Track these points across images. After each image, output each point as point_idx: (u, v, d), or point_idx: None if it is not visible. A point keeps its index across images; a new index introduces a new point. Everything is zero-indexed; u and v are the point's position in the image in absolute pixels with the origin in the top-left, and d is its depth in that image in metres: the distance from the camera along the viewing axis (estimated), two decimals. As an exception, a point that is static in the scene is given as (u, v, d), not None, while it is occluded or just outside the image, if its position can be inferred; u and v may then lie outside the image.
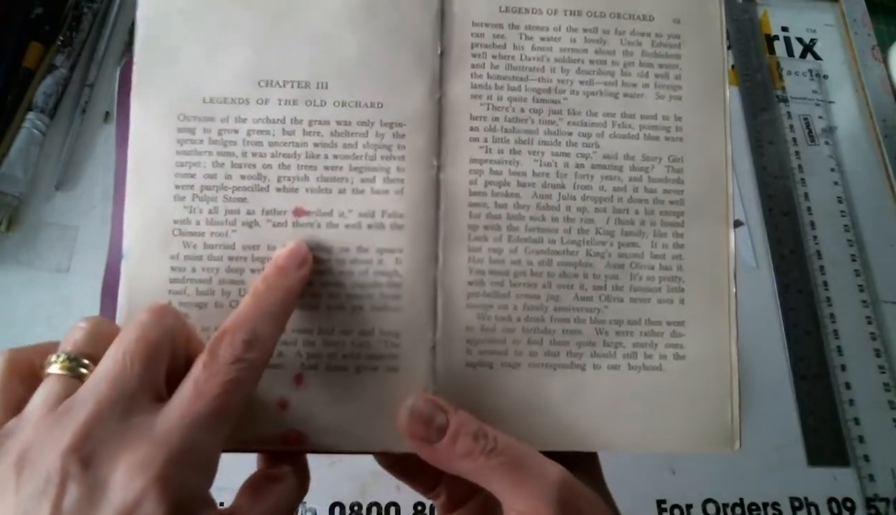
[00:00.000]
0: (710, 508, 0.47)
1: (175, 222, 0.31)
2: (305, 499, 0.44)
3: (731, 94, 0.71)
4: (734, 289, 0.33)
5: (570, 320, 0.32)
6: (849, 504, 0.49)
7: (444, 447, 0.29)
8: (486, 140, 0.33)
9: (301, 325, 0.30)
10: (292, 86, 0.32)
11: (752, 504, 0.48)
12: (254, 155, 0.31)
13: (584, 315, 0.32)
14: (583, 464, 0.32)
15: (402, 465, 0.34)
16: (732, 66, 0.71)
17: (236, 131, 0.32)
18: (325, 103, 0.32)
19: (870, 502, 0.50)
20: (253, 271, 0.31)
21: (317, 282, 0.31)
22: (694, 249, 0.33)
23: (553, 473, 0.28)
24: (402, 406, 0.30)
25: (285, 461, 0.31)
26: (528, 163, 0.32)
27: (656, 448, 0.32)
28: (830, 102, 0.68)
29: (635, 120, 0.33)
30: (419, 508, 0.45)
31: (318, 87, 0.32)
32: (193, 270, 0.31)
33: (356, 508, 0.43)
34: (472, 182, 0.32)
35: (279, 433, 0.30)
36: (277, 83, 0.32)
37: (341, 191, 0.31)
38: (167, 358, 0.27)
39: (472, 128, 0.33)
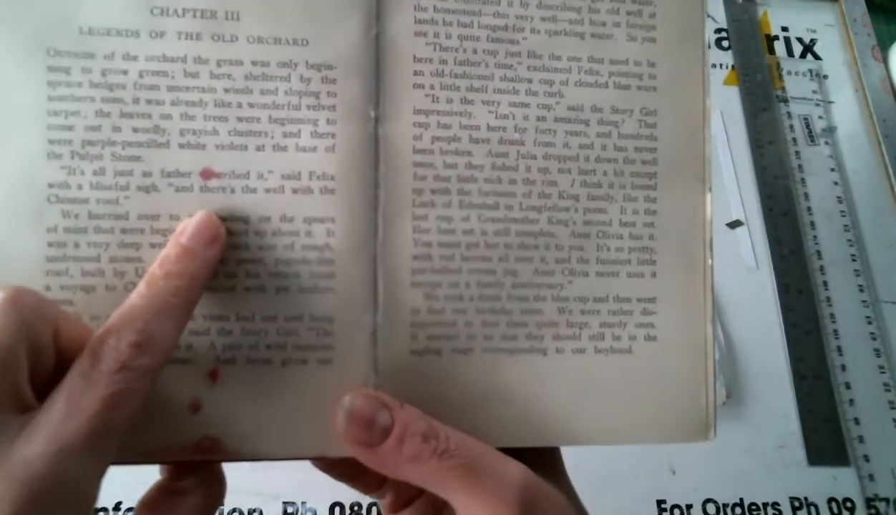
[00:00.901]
0: (710, 508, 0.51)
1: (50, 186, 0.29)
2: (305, 499, 0.45)
3: (731, 95, 0.77)
4: (710, 261, 0.34)
5: (530, 298, 0.32)
6: (849, 505, 0.54)
7: (388, 450, 0.29)
8: (432, 87, 0.32)
9: (215, 311, 0.30)
10: (194, 16, 0.30)
11: (752, 504, 0.52)
12: (149, 102, 0.30)
13: (544, 292, 0.33)
14: (544, 459, 0.33)
15: (340, 467, 0.34)
16: (732, 67, 0.78)
17: (125, 72, 0.30)
18: (237, 39, 0.30)
19: (870, 502, 0.55)
20: (153, 246, 0.29)
21: (232, 259, 0.30)
22: (667, 216, 0.34)
23: (514, 474, 0.29)
24: (337, 405, 0.29)
25: (193, 469, 0.31)
26: (481, 115, 0.32)
27: (625, 441, 0.33)
28: (830, 102, 0.75)
29: (604, 65, 0.34)
30: None
31: (227, 18, 0.30)
32: (77, 246, 0.29)
33: (356, 508, 0.44)
34: (416, 137, 0.32)
35: (190, 441, 0.29)
36: (175, 11, 0.30)
37: (259, 148, 0.30)
38: (26, 359, 0.25)
39: (416, 73, 0.32)
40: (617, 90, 0.33)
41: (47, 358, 0.26)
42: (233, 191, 0.30)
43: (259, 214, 0.30)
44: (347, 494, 0.45)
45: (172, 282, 0.27)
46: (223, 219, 0.30)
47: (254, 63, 0.30)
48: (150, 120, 0.30)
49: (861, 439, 0.58)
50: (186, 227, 0.29)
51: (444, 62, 0.32)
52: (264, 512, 0.46)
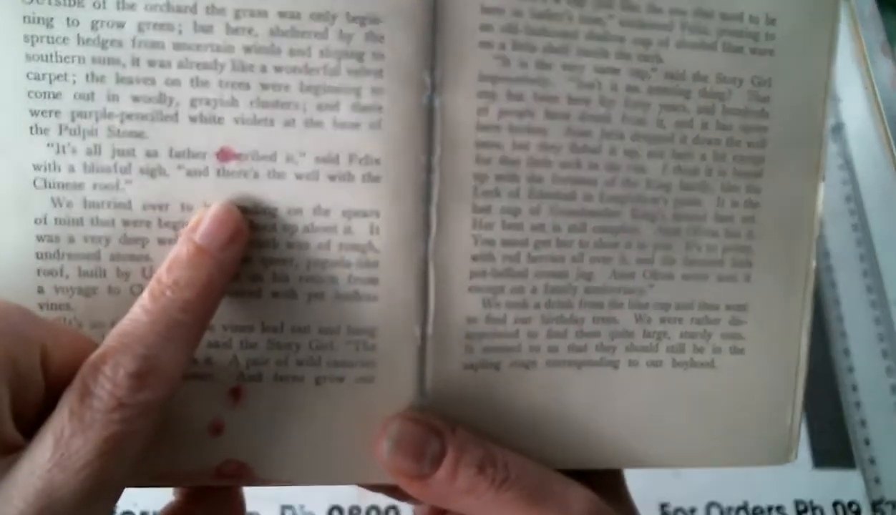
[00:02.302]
0: (714, 511, 0.49)
1: (35, 168, 0.24)
2: (303, 502, 0.42)
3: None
4: (814, 264, 0.30)
5: (605, 304, 0.27)
6: (854, 508, 0.52)
7: (440, 483, 0.25)
8: (503, 46, 0.26)
9: (237, 320, 0.25)
10: (205, -51, 0.24)
11: (756, 507, 0.50)
12: (151, 64, 0.24)
13: (622, 297, 0.28)
14: (607, 481, 0.29)
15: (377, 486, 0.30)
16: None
17: (121, 24, 0.23)
18: None
19: (876, 505, 0.53)
20: (162, 242, 0.24)
21: (257, 259, 0.25)
22: (771, 209, 0.28)
23: (580, 500, 0.26)
24: (381, 431, 0.26)
25: (210, 493, 0.27)
26: (561, 83, 0.26)
27: (698, 464, 0.29)
28: (838, 99, 0.71)
29: (713, 21, 0.27)
30: None
31: (246, -47, 0.24)
32: (71, 240, 0.24)
33: (355, 512, 0.42)
34: (480, 110, 0.26)
35: (211, 465, 0.25)
36: None
37: (288, 124, 0.24)
38: (7, 393, 0.20)
39: (483, 27, 0.25)
40: (726, 53, 0.27)
41: (34, 387, 0.21)
42: (256, 176, 0.25)
43: (288, 205, 0.25)
44: (346, 497, 0.44)
45: (182, 294, 0.23)
46: (244, 210, 0.24)
47: (281, 14, 0.24)
48: (154, 86, 0.24)
49: (867, 442, 0.56)
50: (200, 221, 0.24)
51: (518, 13, 0.26)
52: (261, 515, 0.46)
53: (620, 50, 0.26)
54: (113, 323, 0.24)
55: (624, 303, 0.28)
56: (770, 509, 0.49)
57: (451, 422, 0.26)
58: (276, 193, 0.25)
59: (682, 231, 0.27)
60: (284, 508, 0.41)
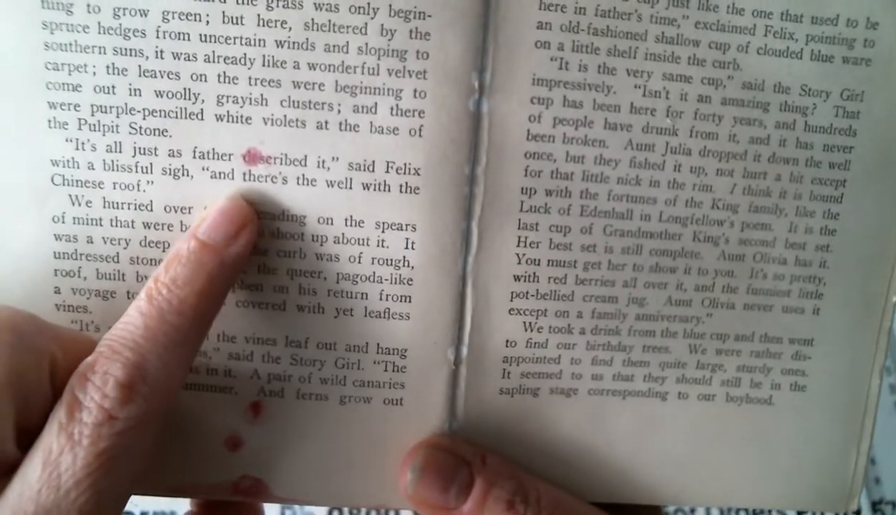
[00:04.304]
0: (714, 512, 0.47)
1: (53, 164, 0.22)
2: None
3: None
4: (895, 298, 0.26)
5: (657, 333, 0.25)
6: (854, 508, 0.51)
7: None
8: (561, 46, 0.23)
9: (259, 333, 0.23)
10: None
11: (758, 510, 0.48)
12: (176, 56, 0.21)
13: (676, 326, 0.25)
14: (644, 514, 0.28)
15: None
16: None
17: (144, 13, 0.21)
18: None
19: (876, 505, 0.51)
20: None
21: (282, 270, 0.23)
22: (849, 236, 0.25)
23: None
24: (405, 459, 0.24)
25: (227, 505, 0.26)
26: (625, 90, 0.23)
27: (745, 504, 0.27)
28: None
29: (802, 25, 0.24)
30: None
31: (282, -63, 0.22)
32: (90, 240, 0.23)
33: (355, 512, 0.41)
34: (532, 118, 0.23)
35: (228, 480, 0.24)
36: None
37: (320, 126, 0.22)
38: (13, 408, 0.19)
39: (540, 25, 0.22)
40: (814, 63, 0.24)
41: (41, 399, 0.20)
42: (285, 181, 0.22)
43: (318, 214, 0.23)
44: None
45: (178, 293, 0.20)
46: (271, 217, 0.23)
47: (317, 6, 0.22)
48: (179, 81, 0.22)
49: None
50: (205, 216, 0.22)
51: (580, 11, 0.23)
52: None
53: (694, 55, 0.23)
54: (132, 329, 0.23)
55: (678, 332, 0.25)
56: (770, 509, 0.47)
57: (483, 450, 0.25)
58: (306, 200, 0.23)
59: (748, 257, 0.25)
60: (284, 508, 0.40)
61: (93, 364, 0.20)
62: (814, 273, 0.25)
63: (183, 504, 0.27)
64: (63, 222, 0.22)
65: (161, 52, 0.22)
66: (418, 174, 0.23)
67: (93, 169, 0.22)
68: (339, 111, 0.22)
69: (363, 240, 0.23)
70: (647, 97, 0.23)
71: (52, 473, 0.18)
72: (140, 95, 0.22)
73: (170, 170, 0.22)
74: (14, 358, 0.19)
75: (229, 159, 0.22)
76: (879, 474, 0.51)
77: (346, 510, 0.40)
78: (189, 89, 0.22)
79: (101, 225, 0.22)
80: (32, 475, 0.18)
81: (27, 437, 0.20)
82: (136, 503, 0.39)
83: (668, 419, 0.26)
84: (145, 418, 0.20)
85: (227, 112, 0.22)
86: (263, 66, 0.22)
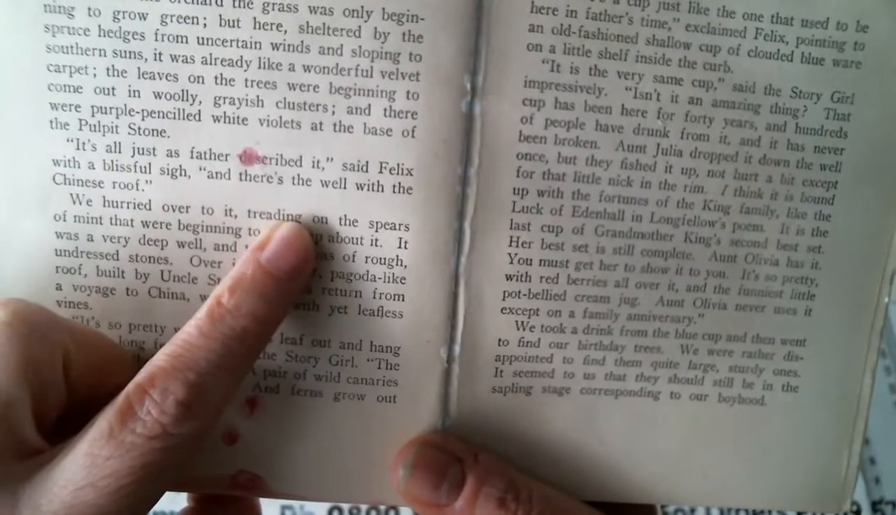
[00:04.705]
0: (714, 512, 0.47)
1: (55, 163, 0.22)
2: (303, 503, 0.42)
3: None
4: (886, 299, 0.27)
5: (648, 333, 0.25)
6: (854, 508, 0.50)
7: (458, 514, 0.24)
8: (553, 49, 0.23)
9: (256, 330, 0.25)
10: (234, -65, 0.22)
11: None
12: (174, 59, 0.22)
13: (668, 326, 0.25)
14: (637, 513, 0.28)
15: None
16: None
17: (143, 16, 0.22)
18: None
19: (875, 505, 0.51)
20: (181, 245, 0.23)
21: (279, 268, 0.24)
22: (841, 238, 0.25)
23: None
24: (398, 455, 0.24)
25: (224, 500, 0.26)
26: (616, 92, 0.23)
27: (738, 504, 0.27)
28: None
29: (792, 28, 0.24)
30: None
31: (278, -60, 0.22)
32: (90, 238, 0.23)
33: (355, 512, 0.42)
34: (524, 119, 0.23)
35: (225, 474, 0.24)
36: None
37: (315, 127, 0.22)
38: (29, 399, 0.20)
39: (532, 28, 0.23)
40: (805, 65, 0.24)
41: (56, 391, 0.20)
42: (280, 181, 0.23)
43: (313, 213, 0.23)
44: None
45: (242, 322, 0.21)
46: (267, 217, 0.23)
47: (312, 9, 0.22)
48: (177, 83, 0.22)
49: (867, 441, 0.53)
50: (269, 240, 0.22)
51: (572, 14, 0.23)
52: None
53: (685, 57, 0.23)
54: (130, 325, 0.23)
55: (670, 333, 0.25)
56: (770, 509, 0.47)
57: (475, 448, 0.25)
58: (301, 200, 0.23)
59: (740, 258, 0.25)
60: (284, 508, 0.40)
61: (152, 377, 0.20)
62: (805, 274, 0.25)
63: (181, 503, 0.27)
64: (64, 220, 0.23)
65: (160, 54, 0.22)
66: (411, 174, 0.23)
67: (93, 168, 0.23)
68: (333, 112, 0.23)
69: (357, 239, 0.23)
70: (638, 99, 0.23)
71: (97, 474, 0.19)
72: (139, 97, 0.22)
73: (168, 169, 0.23)
74: (29, 349, 0.20)
75: (226, 159, 0.23)
76: (879, 474, 0.50)
77: (345, 508, 0.41)
78: (187, 91, 0.22)
79: (101, 223, 0.23)
80: (76, 470, 0.19)
81: (43, 426, 0.20)
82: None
83: (660, 418, 0.26)
84: (195, 436, 0.20)
85: (224, 113, 0.22)
86: (259, 68, 0.22)
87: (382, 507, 0.41)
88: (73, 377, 0.21)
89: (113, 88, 0.22)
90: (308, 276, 0.23)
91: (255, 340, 0.21)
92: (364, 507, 0.41)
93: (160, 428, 0.19)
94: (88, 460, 0.19)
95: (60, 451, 0.20)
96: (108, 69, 0.22)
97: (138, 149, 0.22)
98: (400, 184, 0.23)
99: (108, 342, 0.23)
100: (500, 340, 0.24)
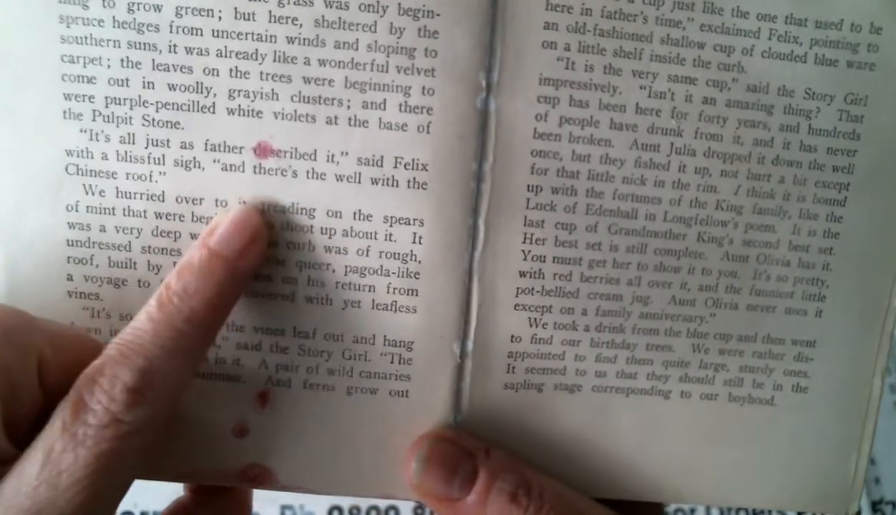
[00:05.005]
0: (714, 512, 0.47)
1: (68, 154, 0.22)
2: (303, 503, 0.41)
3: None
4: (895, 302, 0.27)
5: (660, 331, 0.25)
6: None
7: (469, 508, 0.23)
8: (567, 47, 0.23)
9: (268, 323, 0.23)
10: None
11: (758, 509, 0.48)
12: (189, 51, 0.22)
13: (680, 325, 0.25)
14: (646, 511, 0.28)
15: None
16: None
17: (158, 7, 0.22)
18: None
19: (875, 505, 0.50)
20: (194, 236, 0.23)
21: (291, 262, 0.23)
22: (853, 240, 0.25)
23: None
24: (410, 450, 0.24)
25: (218, 492, 0.26)
26: (630, 91, 0.23)
27: (747, 504, 0.27)
28: None
29: (806, 29, 0.24)
30: (419, 512, 0.43)
31: (295, -65, 0.22)
32: (102, 229, 0.23)
33: (355, 511, 0.41)
34: (539, 117, 0.23)
35: (234, 467, 0.24)
36: None
37: (330, 121, 0.22)
38: None
39: (547, 25, 0.23)
40: (818, 66, 0.24)
41: (28, 396, 0.20)
42: (295, 174, 0.23)
43: (327, 207, 0.23)
44: (346, 498, 0.42)
45: (189, 303, 0.21)
46: (278, 210, 0.23)
47: (328, 3, 0.22)
48: (191, 75, 0.22)
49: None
50: (217, 225, 0.22)
51: (587, 12, 0.23)
52: (262, 515, 0.44)
53: (699, 57, 0.23)
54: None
55: (682, 332, 0.25)
56: (770, 509, 0.47)
57: (487, 443, 0.25)
58: (315, 194, 0.23)
59: (751, 258, 0.25)
60: (284, 508, 0.40)
61: (101, 367, 0.20)
62: (817, 275, 0.25)
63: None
64: (76, 211, 0.23)
65: (174, 46, 0.22)
66: (426, 170, 0.23)
67: (106, 159, 0.22)
68: (348, 107, 0.22)
69: (371, 233, 0.23)
70: (652, 98, 0.23)
71: (52, 471, 0.19)
72: (153, 88, 0.22)
73: (181, 161, 0.23)
74: (3, 355, 0.19)
75: (240, 152, 0.23)
76: (879, 474, 0.50)
77: (345, 508, 0.41)
78: (201, 83, 0.22)
79: (113, 214, 0.23)
80: (31, 471, 0.19)
81: (16, 433, 0.20)
82: (136, 502, 0.39)
83: (670, 417, 0.26)
84: (149, 422, 0.20)
85: (239, 106, 0.22)
86: (274, 61, 0.22)
87: (382, 507, 0.41)
88: (49, 381, 0.21)
89: (127, 79, 0.22)
90: (260, 256, 0.22)
91: (205, 321, 0.21)
92: (364, 507, 0.40)
93: (110, 416, 0.19)
94: (43, 457, 0.19)
95: (22, 456, 0.19)
96: (122, 60, 0.22)
97: (152, 140, 0.22)
98: (415, 179, 0.23)
99: (89, 343, 0.22)
100: (512, 337, 0.24)
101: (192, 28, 0.22)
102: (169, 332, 0.20)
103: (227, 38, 0.22)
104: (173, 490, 0.26)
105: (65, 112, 0.22)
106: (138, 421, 0.19)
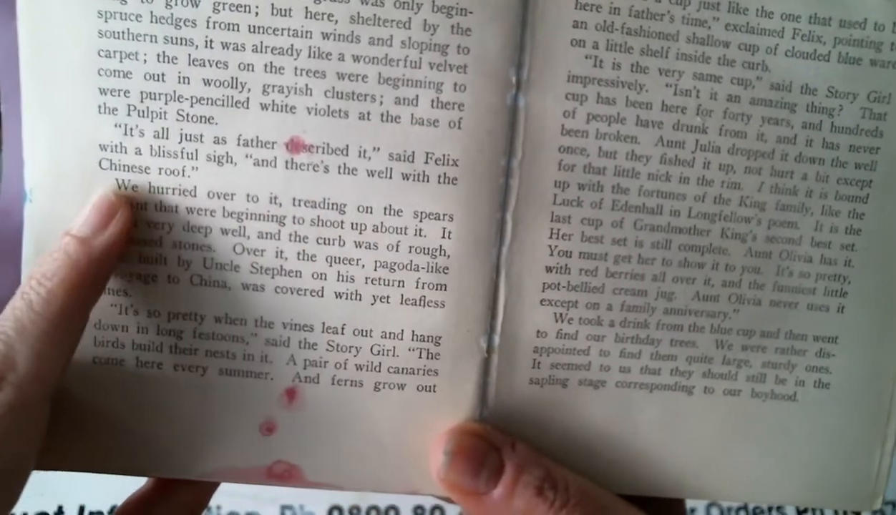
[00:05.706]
0: (714, 511, 0.47)
1: (102, 148, 0.22)
2: (303, 503, 0.41)
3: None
4: (918, 297, 0.27)
5: (684, 327, 0.25)
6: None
7: (496, 502, 0.24)
8: (596, 45, 0.23)
9: (296, 319, 0.24)
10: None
11: (756, 507, 0.47)
12: (225, 46, 0.22)
13: (703, 321, 0.26)
14: (671, 510, 0.28)
15: None
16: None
17: (196, 4, 0.22)
18: None
19: None
20: (224, 232, 0.23)
21: (321, 257, 0.23)
22: (875, 236, 0.25)
23: None
24: (437, 443, 0.24)
25: (180, 484, 0.26)
26: (656, 88, 0.24)
27: (770, 501, 0.28)
28: None
29: (830, 28, 0.24)
30: (419, 512, 0.42)
31: (330, -68, 0.22)
32: (134, 224, 0.23)
33: (355, 512, 0.41)
34: (567, 114, 0.23)
35: (261, 465, 0.24)
36: None
37: (363, 117, 0.23)
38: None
39: (576, 24, 0.23)
40: (841, 65, 0.24)
41: None
42: (326, 169, 0.23)
43: (358, 202, 0.23)
44: (346, 497, 0.42)
45: (46, 285, 0.21)
46: (312, 205, 0.23)
47: (363, 0, 0.22)
48: (227, 70, 0.22)
49: None
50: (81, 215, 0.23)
51: (615, 11, 0.23)
52: (261, 515, 0.44)
53: (724, 56, 0.24)
54: (169, 314, 0.23)
55: (705, 328, 0.25)
56: (770, 509, 0.46)
57: (512, 438, 0.25)
58: (346, 189, 0.23)
59: (774, 254, 0.25)
60: (284, 508, 0.40)
61: None
62: (839, 271, 0.25)
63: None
64: (109, 206, 0.23)
65: (210, 41, 0.22)
66: (456, 165, 0.23)
67: (140, 154, 0.23)
68: (381, 103, 0.23)
69: (401, 228, 0.23)
70: (677, 96, 0.24)
71: None
72: (188, 83, 0.22)
73: (214, 156, 0.23)
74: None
75: (272, 147, 0.23)
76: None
77: (345, 509, 0.40)
78: (236, 78, 0.22)
79: (145, 209, 0.23)
80: None
81: None
82: (83, 503, 0.39)
83: (693, 413, 0.26)
84: (18, 405, 0.20)
85: (273, 101, 0.22)
86: (309, 57, 0.22)
87: (382, 507, 0.40)
88: None
89: (163, 74, 0.22)
90: (119, 234, 0.22)
91: (66, 301, 0.21)
92: (364, 507, 0.40)
93: None
94: None
95: None
96: (158, 55, 0.22)
97: (186, 135, 0.23)
98: (445, 174, 0.23)
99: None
100: (538, 332, 0.25)
101: (229, 23, 0.22)
102: (28, 316, 0.20)
103: (263, 33, 0.22)
104: (123, 486, 0.26)
105: (100, 107, 0.22)
106: (3, 404, 0.19)
